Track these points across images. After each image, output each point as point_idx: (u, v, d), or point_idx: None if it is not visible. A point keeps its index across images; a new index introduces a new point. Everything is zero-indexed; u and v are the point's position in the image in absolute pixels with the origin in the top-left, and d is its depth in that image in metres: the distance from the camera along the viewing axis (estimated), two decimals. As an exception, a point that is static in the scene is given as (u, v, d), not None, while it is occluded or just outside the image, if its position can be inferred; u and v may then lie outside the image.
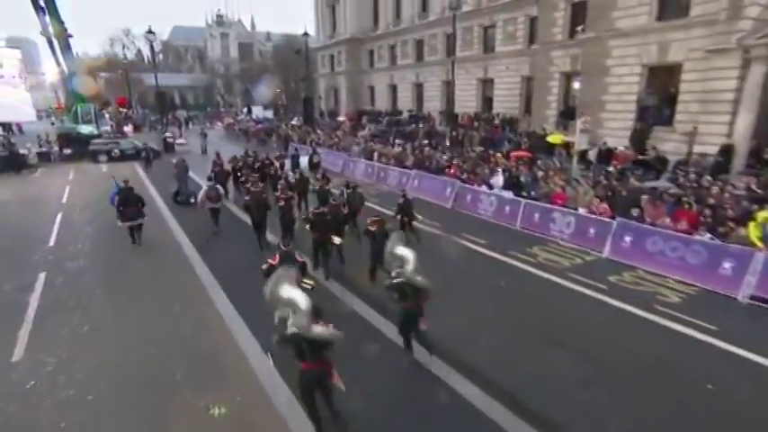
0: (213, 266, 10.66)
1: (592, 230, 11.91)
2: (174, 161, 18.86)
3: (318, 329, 5.05)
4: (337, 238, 10.10)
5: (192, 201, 16.88)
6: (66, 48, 31.45)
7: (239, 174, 17.35)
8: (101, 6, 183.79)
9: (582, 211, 12.65)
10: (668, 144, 18.48)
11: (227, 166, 18.17)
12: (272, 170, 17.37)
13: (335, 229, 10.14)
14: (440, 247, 12.57)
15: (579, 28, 22.36)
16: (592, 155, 18.44)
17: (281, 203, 11.47)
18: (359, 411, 5.70)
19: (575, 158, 16.10)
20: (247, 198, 12.37)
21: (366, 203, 13.83)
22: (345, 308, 8.55)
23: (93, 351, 7.36)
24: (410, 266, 6.60)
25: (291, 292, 5.11)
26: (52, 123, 49.38)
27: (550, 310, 8.60)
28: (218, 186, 13.51)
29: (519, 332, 7.80)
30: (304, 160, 21.47)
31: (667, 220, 10.87)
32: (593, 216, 12.13)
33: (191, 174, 18.98)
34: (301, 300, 5.05)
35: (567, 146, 18.54)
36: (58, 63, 31.88)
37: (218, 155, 19.16)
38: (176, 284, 9.81)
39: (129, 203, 12.27)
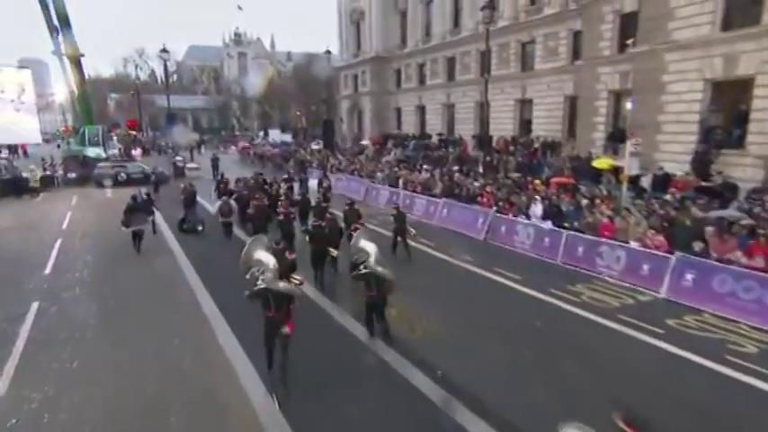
0: (217, 297, 10.78)
1: (646, 266, 11.62)
2: (182, 186, 19.40)
3: (282, 284, 6.81)
4: (334, 251, 11.63)
5: (200, 228, 17.29)
6: (77, 67, 33.21)
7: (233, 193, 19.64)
8: (115, 26, 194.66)
9: (634, 244, 12.40)
10: (738, 169, 17.90)
11: (231, 186, 20.62)
12: (273, 190, 19.22)
13: (333, 242, 11.74)
14: (469, 282, 12.52)
15: (630, 41, 22.30)
16: (645, 181, 18.08)
17: (281, 217, 13.83)
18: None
19: (624, 185, 15.80)
20: (251, 211, 15.51)
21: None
22: (334, 322, 9.55)
23: (82, 388, 7.41)
24: (372, 258, 8.08)
25: (261, 255, 6.91)
26: (58, 146, 51.69)
27: (597, 356, 8.30)
28: (230, 201, 16.63)
29: (558, 380, 7.52)
30: (313, 183, 22.99)
31: (739, 255, 10.48)
32: (648, 250, 11.85)
33: (199, 199, 19.46)
34: (269, 260, 6.84)
35: (617, 171, 18.24)
36: (67, 82, 33.62)
37: (222, 175, 22.70)
38: (177, 317, 9.93)
39: (137, 211, 14.70)
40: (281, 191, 18.99)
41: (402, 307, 9.87)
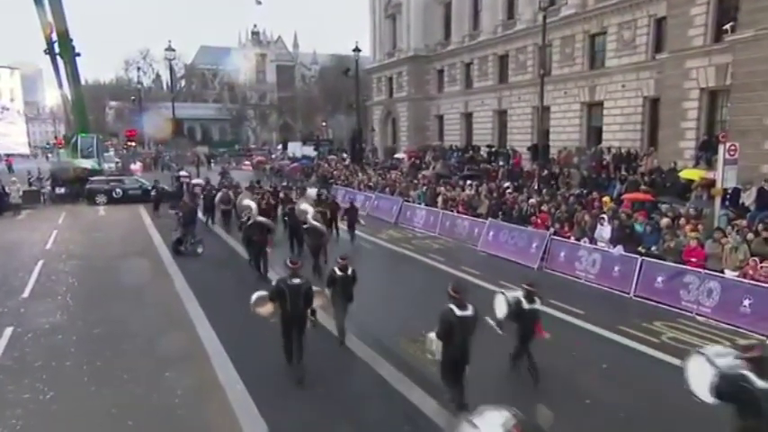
0: (218, 328, 11.06)
1: (747, 302, 11.31)
2: (180, 202, 20.06)
3: (261, 219, 15.83)
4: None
5: (200, 251, 17.73)
6: (72, 65, 34.86)
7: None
8: (115, 26, 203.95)
9: (730, 274, 12.15)
10: None
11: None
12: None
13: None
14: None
15: (727, 26, 21.83)
16: (747, 197, 17.56)
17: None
18: None
19: (717, 200, 15.36)
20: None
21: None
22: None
23: (54, 423, 7.63)
24: (309, 216, 15.51)
25: (248, 202, 17.22)
26: (47, 158, 53.96)
27: (677, 407, 8.01)
28: (230, 192, 23.33)
29: None
30: (312, 192, 24.68)
31: None
32: (750, 282, 11.57)
33: (201, 216, 20.04)
34: (253, 206, 16.82)
35: (710, 186, 17.78)
36: (61, 85, 35.29)
37: (208, 180, 28.45)
38: (171, 347, 10.08)
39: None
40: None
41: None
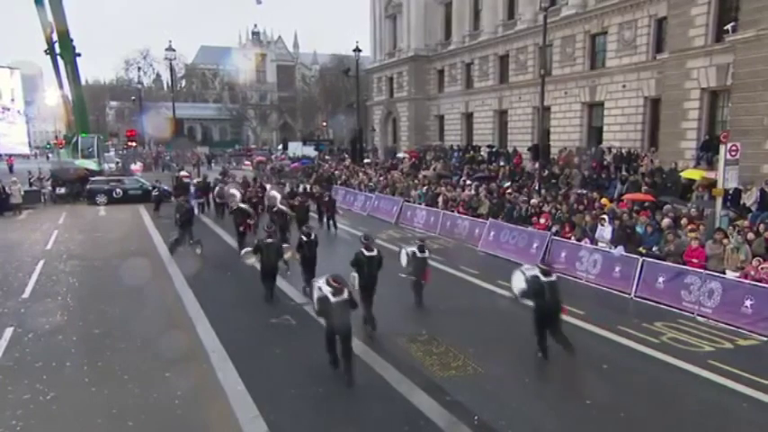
0: (219, 329, 11.07)
1: (748, 303, 11.31)
2: (176, 202, 20.19)
3: (243, 205, 19.20)
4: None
5: (198, 252, 17.72)
6: (72, 65, 34.91)
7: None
8: (115, 25, 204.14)
9: (732, 274, 12.16)
10: None
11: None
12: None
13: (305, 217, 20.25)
14: (521, 317, 12.36)
15: (728, 26, 21.84)
16: (749, 197, 17.55)
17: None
18: None
19: (718, 201, 15.36)
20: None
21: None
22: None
23: (54, 423, 7.64)
24: (278, 200, 20.25)
25: (233, 191, 21.64)
26: (47, 158, 53.97)
27: (678, 407, 8.11)
28: (224, 186, 24.70)
29: None
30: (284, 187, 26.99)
31: None
32: (751, 283, 11.54)
33: (204, 218, 20.05)
34: (237, 194, 21.19)
35: (711, 186, 17.76)
36: (61, 85, 35.32)
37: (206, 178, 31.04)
38: (171, 347, 10.07)
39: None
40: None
41: (444, 342, 10.30)
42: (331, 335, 8.91)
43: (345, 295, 8.71)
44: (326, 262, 13.35)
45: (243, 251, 13.63)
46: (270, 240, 12.87)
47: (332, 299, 8.58)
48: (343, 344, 8.72)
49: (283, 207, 20.02)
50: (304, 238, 13.17)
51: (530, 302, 9.91)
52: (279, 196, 20.85)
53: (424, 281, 12.45)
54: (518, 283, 10.16)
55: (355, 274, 10.59)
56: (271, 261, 12.59)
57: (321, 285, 8.80)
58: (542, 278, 9.63)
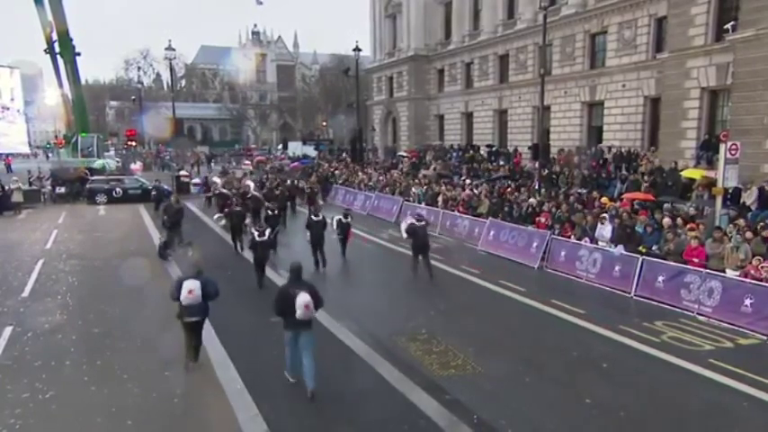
0: (219, 328, 10.98)
1: (749, 302, 11.29)
2: (166, 202, 20.10)
3: (223, 190, 24.83)
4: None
5: (190, 254, 17.60)
6: (72, 64, 34.92)
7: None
8: (115, 25, 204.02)
9: (732, 273, 12.13)
10: None
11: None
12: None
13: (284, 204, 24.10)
14: (521, 316, 12.57)
15: (728, 26, 21.83)
16: (748, 196, 17.55)
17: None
18: None
19: (718, 200, 15.35)
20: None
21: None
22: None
23: (53, 423, 7.64)
24: (251, 188, 25.15)
25: (216, 179, 28.79)
26: (47, 157, 53.98)
27: (679, 407, 8.10)
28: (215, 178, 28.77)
29: None
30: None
31: None
32: (751, 282, 11.52)
33: (205, 219, 20.10)
34: (219, 181, 27.36)
35: (711, 186, 17.76)
36: (61, 85, 35.31)
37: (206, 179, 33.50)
38: (171, 347, 10.02)
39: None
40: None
41: (443, 341, 10.30)
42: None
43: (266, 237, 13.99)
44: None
45: (216, 216, 20.54)
46: (237, 209, 18.82)
47: (257, 238, 13.84)
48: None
49: (256, 193, 23.65)
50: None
51: (410, 238, 15.02)
52: (252, 184, 26.34)
53: (348, 240, 17.31)
54: (404, 227, 15.52)
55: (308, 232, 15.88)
56: (237, 222, 18.31)
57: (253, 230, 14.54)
58: (416, 223, 15.03)
